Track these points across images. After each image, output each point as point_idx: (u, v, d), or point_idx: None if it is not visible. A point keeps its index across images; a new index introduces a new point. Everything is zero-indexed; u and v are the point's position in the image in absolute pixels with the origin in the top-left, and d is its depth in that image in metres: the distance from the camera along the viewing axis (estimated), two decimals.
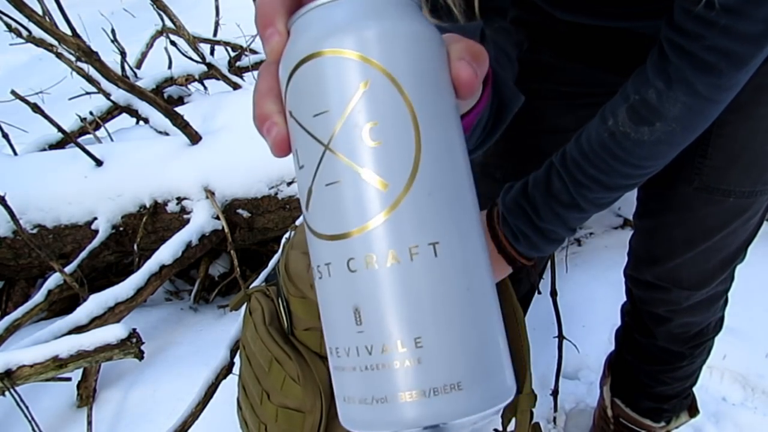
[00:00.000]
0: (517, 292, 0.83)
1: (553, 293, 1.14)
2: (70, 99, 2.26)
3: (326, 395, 0.69)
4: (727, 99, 0.53)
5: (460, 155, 0.27)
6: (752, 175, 0.69)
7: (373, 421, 0.24)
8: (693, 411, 1.02)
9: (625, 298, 0.95)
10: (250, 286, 1.29)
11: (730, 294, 0.87)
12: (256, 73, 2.39)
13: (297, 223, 1.39)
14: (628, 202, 1.84)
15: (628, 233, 1.74)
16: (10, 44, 1.87)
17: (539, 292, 0.87)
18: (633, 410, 1.00)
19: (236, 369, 1.09)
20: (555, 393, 1.20)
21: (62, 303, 1.57)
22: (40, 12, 1.38)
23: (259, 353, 0.73)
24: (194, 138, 1.54)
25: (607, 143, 0.55)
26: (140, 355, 0.99)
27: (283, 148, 0.28)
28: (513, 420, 0.78)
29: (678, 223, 0.76)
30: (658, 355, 0.92)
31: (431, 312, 0.24)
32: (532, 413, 0.77)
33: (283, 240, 1.34)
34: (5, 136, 1.73)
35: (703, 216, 0.73)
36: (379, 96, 0.25)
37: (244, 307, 0.85)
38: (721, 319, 0.91)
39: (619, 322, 1.00)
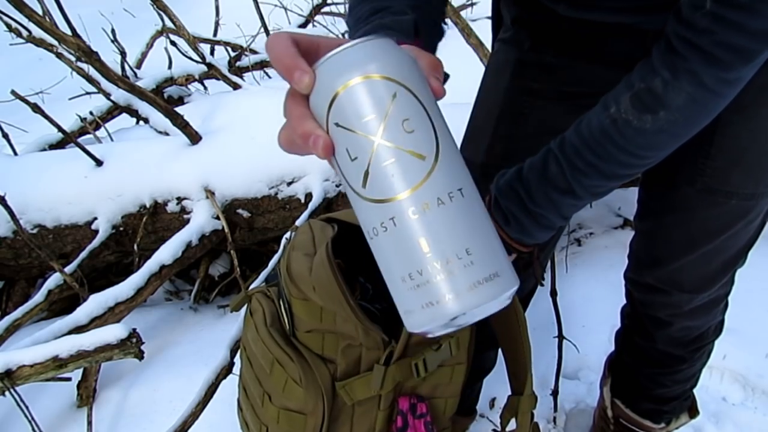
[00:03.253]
0: (519, 293, 0.83)
1: (553, 293, 1.14)
2: (70, 99, 2.26)
3: (328, 397, 0.68)
4: (732, 93, 0.52)
5: (448, 130, 0.39)
6: (755, 176, 0.69)
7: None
8: (693, 412, 1.02)
9: (624, 299, 0.95)
10: (251, 287, 1.28)
11: (729, 296, 0.87)
12: (256, 73, 2.37)
13: (297, 222, 1.39)
14: (629, 203, 1.85)
15: (628, 233, 1.74)
16: (10, 44, 1.87)
17: (542, 285, 0.87)
18: (633, 411, 1.00)
19: (236, 369, 1.09)
20: (555, 393, 1.21)
21: (62, 303, 1.57)
22: (40, 12, 1.38)
23: (260, 355, 0.72)
24: (194, 138, 1.54)
25: (608, 130, 0.54)
26: (140, 355, 0.99)
27: (330, 152, 0.38)
28: (512, 420, 0.78)
29: (679, 224, 0.75)
30: (658, 359, 0.92)
31: (471, 230, 0.37)
32: (532, 414, 0.77)
33: (284, 240, 1.33)
34: (5, 136, 1.73)
35: (704, 218, 0.73)
36: (404, 101, 0.37)
37: (244, 307, 0.84)
38: (721, 322, 0.91)
39: (618, 322, 1.00)
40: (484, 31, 1.79)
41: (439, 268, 0.36)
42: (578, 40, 0.70)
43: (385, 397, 0.71)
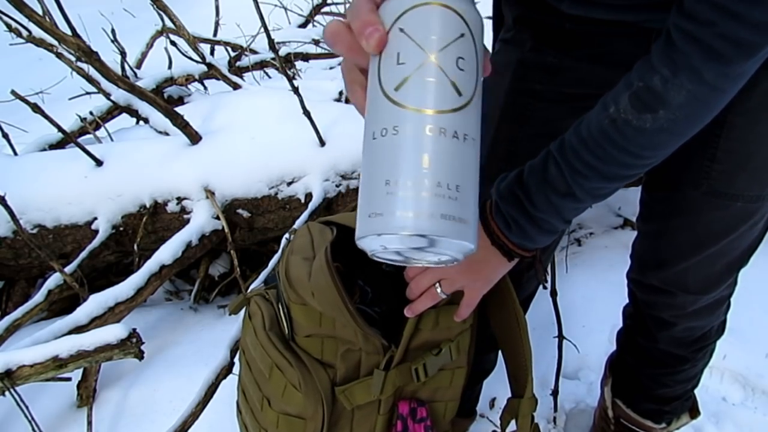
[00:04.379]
0: (521, 294, 0.82)
1: (553, 293, 1.14)
2: (70, 99, 2.26)
3: (327, 402, 0.68)
4: (734, 89, 0.51)
5: (482, 92, 0.43)
6: (760, 179, 0.69)
7: (433, 225, 0.38)
8: (694, 412, 1.02)
9: (625, 299, 0.95)
10: (249, 288, 1.28)
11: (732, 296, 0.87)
12: (256, 73, 2.37)
13: (297, 222, 1.39)
14: (629, 202, 1.85)
15: (628, 233, 1.74)
16: (10, 44, 1.87)
17: (545, 287, 0.87)
18: (634, 411, 1.00)
19: (236, 369, 1.09)
20: (555, 393, 1.20)
21: (62, 303, 1.57)
22: (40, 12, 1.38)
23: (259, 359, 0.72)
24: (194, 138, 1.54)
25: (608, 130, 0.54)
26: (140, 355, 0.99)
27: (381, 46, 0.41)
28: (511, 421, 0.78)
29: (684, 227, 0.74)
30: (660, 359, 0.91)
31: (467, 173, 0.40)
32: (533, 417, 0.77)
33: (283, 241, 1.33)
34: (5, 136, 1.73)
35: (709, 220, 0.72)
36: (467, 44, 0.41)
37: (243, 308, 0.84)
38: (724, 322, 0.90)
39: (619, 322, 1.00)
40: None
41: (428, 186, 0.38)
42: (581, 39, 0.70)
43: (385, 401, 0.71)
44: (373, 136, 0.41)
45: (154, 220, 1.52)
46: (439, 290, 0.66)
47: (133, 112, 1.89)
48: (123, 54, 2.12)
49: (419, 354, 0.70)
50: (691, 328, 0.86)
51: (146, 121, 1.84)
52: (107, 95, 1.87)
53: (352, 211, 0.83)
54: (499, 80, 0.78)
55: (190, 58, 2.16)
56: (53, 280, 1.39)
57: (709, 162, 0.68)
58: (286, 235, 1.32)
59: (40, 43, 1.73)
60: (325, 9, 2.93)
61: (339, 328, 0.67)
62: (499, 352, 0.80)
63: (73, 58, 1.73)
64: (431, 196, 0.38)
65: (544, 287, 0.85)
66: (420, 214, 0.37)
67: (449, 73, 0.40)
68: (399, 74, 0.40)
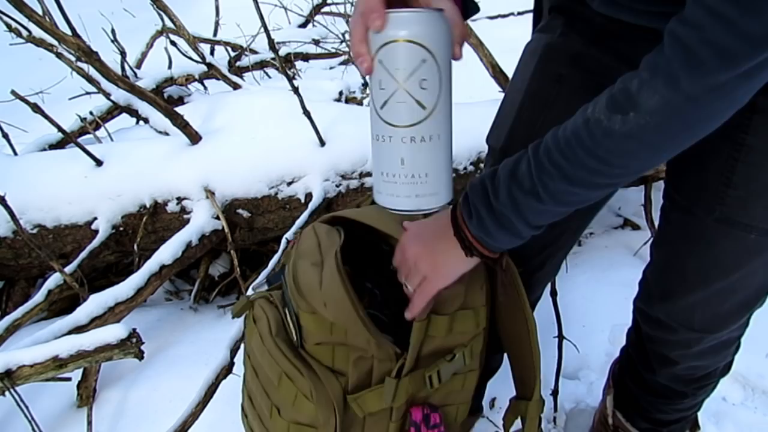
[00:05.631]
0: (528, 297, 0.82)
1: (553, 293, 1.14)
2: (70, 99, 2.26)
3: (339, 410, 0.67)
4: (711, 104, 0.48)
5: (450, 88, 0.59)
6: None
7: (410, 203, 0.61)
8: (694, 427, 1.01)
9: (626, 299, 0.94)
10: (250, 287, 1.28)
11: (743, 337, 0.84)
12: (256, 73, 2.37)
13: (298, 222, 1.39)
14: (629, 203, 1.85)
15: (628, 233, 1.74)
16: (10, 44, 1.87)
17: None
18: (633, 426, 0.99)
19: (236, 369, 1.09)
20: (555, 393, 1.20)
21: (62, 303, 1.57)
22: (40, 12, 1.38)
23: (267, 366, 0.71)
24: (194, 138, 1.54)
25: (579, 130, 0.53)
26: (140, 355, 0.99)
27: (370, 72, 0.57)
28: (514, 422, 0.78)
29: (693, 255, 0.71)
30: (660, 391, 0.89)
31: (436, 161, 0.60)
32: (540, 419, 0.76)
33: (283, 241, 1.33)
34: (5, 136, 1.73)
35: (719, 251, 0.69)
36: (429, 67, 0.55)
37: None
38: (730, 363, 0.87)
39: (619, 322, 0.99)
40: (484, 31, 1.78)
41: (405, 177, 0.59)
42: (609, 36, 0.69)
43: (397, 408, 0.70)
44: (374, 137, 0.60)
45: (154, 220, 1.52)
46: (404, 280, 0.67)
47: (133, 112, 1.89)
48: (123, 54, 2.12)
49: (432, 360, 0.69)
50: (695, 367, 0.84)
51: (146, 121, 1.84)
52: (107, 95, 1.87)
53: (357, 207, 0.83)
54: (526, 67, 0.77)
55: (190, 58, 2.16)
56: (53, 280, 1.39)
57: (725, 187, 0.64)
58: (287, 235, 1.32)
59: (40, 43, 1.73)
60: (325, 9, 2.93)
61: (351, 336, 0.65)
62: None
63: (73, 58, 1.73)
64: (406, 184, 0.59)
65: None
66: (400, 195, 0.60)
67: (414, 94, 0.56)
68: (382, 97, 0.57)
